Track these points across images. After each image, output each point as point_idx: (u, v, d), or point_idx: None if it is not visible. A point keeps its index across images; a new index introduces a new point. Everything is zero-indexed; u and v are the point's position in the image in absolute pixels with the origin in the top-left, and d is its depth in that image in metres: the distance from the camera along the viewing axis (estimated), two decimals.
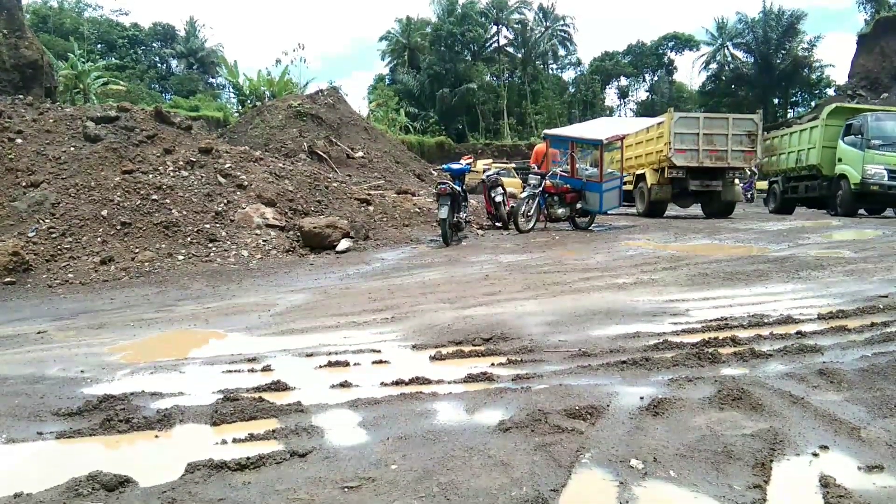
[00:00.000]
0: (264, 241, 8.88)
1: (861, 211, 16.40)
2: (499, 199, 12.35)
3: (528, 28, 59.84)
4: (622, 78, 68.23)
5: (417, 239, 10.47)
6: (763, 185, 29.51)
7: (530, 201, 11.66)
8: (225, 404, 2.94)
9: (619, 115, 62.09)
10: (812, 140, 17.63)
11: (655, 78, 66.88)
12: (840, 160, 16.15)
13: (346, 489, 2.13)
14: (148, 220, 8.45)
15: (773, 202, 20.78)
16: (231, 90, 30.45)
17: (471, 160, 12.50)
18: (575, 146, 13.00)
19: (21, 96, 11.33)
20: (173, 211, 8.76)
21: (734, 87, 59.65)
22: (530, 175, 12.39)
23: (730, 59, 60.42)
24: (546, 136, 14.61)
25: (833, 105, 19.86)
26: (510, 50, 60.87)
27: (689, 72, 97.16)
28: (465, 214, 10.63)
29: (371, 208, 11.52)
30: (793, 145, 19.01)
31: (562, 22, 60.78)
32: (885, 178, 14.73)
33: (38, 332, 4.78)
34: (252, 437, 2.58)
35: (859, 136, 15.54)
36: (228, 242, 8.64)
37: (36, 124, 9.89)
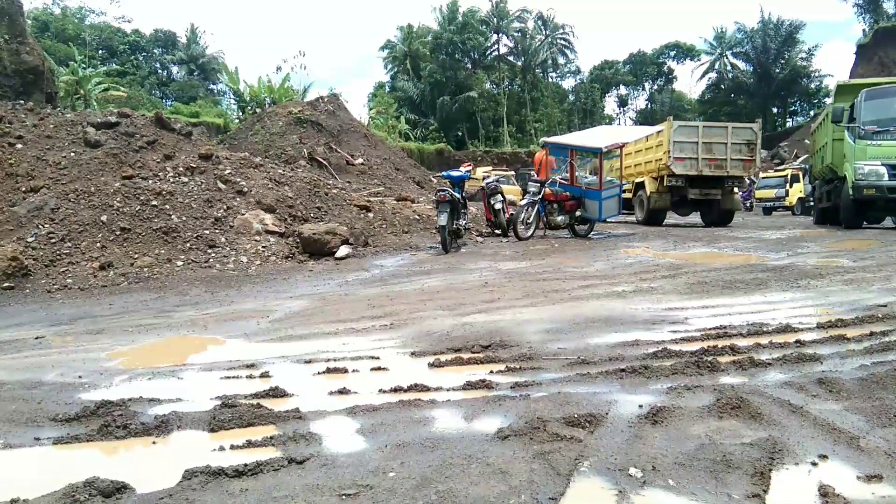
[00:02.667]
0: (263, 247, 8.88)
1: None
2: (498, 206, 12.37)
3: (528, 36, 60.09)
4: (622, 86, 68.51)
5: (417, 246, 10.47)
6: (768, 193, 29.55)
7: (529, 209, 11.68)
8: (223, 410, 2.93)
9: (619, 124, 62.32)
10: (827, 133, 13.95)
11: (655, 87, 67.13)
12: (844, 156, 12.32)
13: (343, 496, 2.13)
14: (147, 226, 8.45)
15: (815, 211, 17.04)
16: (231, 96, 30.49)
17: (470, 167, 12.52)
18: (574, 154, 13.03)
19: (22, 101, 11.34)
20: (173, 217, 8.76)
21: (733, 97, 59.94)
22: (529, 183, 12.42)
23: (729, 68, 60.74)
24: (545, 144, 14.63)
25: (838, 83, 15.23)
26: (510, 58, 61.09)
27: (689, 81, 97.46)
28: (464, 221, 10.64)
29: (370, 215, 11.52)
30: (820, 142, 15.52)
31: (561, 31, 61.05)
32: (885, 178, 10.71)
33: (37, 338, 4.78)
34: (250, 444, 2.57)
35: (852, 122, 11.76)
36: (228, 248, 8.63)
37: (36, 129, 9.90)
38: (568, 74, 67.51)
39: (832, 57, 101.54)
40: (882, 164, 10.73)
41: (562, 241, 11.38)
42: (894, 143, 10.80)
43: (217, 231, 8.92)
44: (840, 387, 3.04)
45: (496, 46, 59.75)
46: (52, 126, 10.10)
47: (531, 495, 2.10)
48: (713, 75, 61.64)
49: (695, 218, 18.55)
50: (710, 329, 4.27)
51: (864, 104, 11.45)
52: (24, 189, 8.63)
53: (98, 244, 7.94)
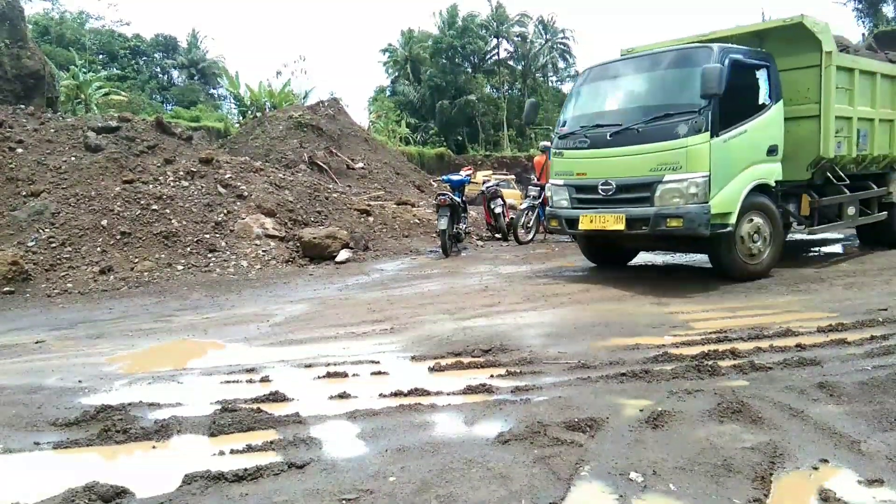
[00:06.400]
0: (264, 251, 8.88)
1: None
2: (498, 210, 12.35)
3: (528, 41, 60.17)
4: None
5: (417, 250, 10.47)
6: None
7: (530, 213, 11.68)
8: (223, 415, 2.93)
9: None
10: None
11: None
12: None
13: (344, 501, 2.13)
14: (147, 230, 8.45)
15: None
16: (232, 101, 30.49)
17: (470, 171, 12.51)
18: None
19: (23, 106, 11.34)
20: (173, 221, 8.76)
21: None
22: (530, 186, 12.42)
23: None
24: (545, 149, 14.64)
25: (621, 50, 8.73)
26: (510, 62, 61.16)
27: None
28: (464, 225, 10.64)
29: (371, 219, 11.52)
30: None
31: (561, 35, 61.09)
32: (567, 205, 6.86)
33: (37, 342, 4.78)
34: (250, 449, 2.57)
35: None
36: (228, 253, 8.64)
37: (37, 134, 9.91)
38: (568, 79, 67.54)
39: None
40: (565, 185, 6.84)
41: (562, 245, 11.38)
42: (581, 153, 6.67)
43: (217, 235, 8.92)
44: (840, 391, 3.04)
45: (496, 51, 59.81)
46: (52, 130, 10.11)
47: (532, 500, 2.09)
48: None
49: None
50: (710, 333, 4.27)
51: (575, 91, 7.43)
52: (24, 193, 8.63)
53: (98, 248, 7.94)
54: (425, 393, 3.20)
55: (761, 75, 6.51)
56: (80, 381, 3.64)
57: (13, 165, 9.03)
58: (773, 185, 6.52)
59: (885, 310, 4.79)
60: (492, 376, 3.48)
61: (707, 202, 5.79)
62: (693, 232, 5.86)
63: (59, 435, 2.83)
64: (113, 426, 2.81)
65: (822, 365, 3.48)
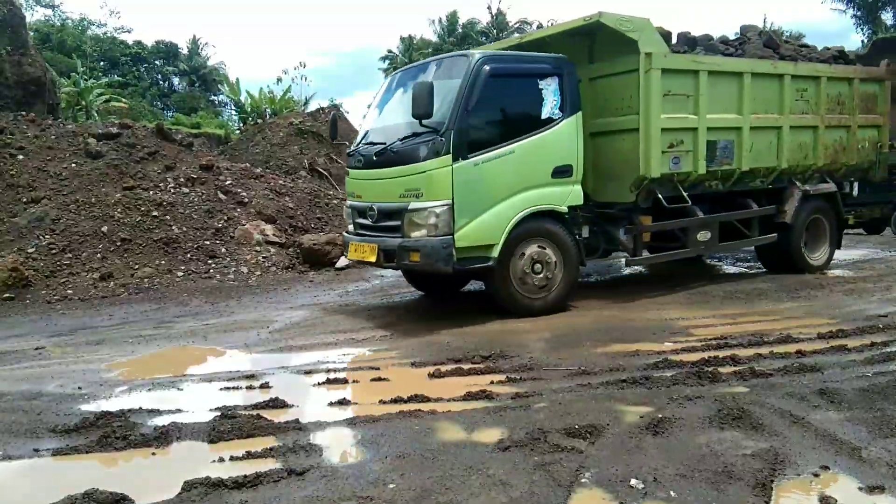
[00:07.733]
0: (264, 257, 8.88)
1: None
2: None
3: None
4: None
5: None
6: None
7: None
8: (222, 422, 2.93)
9: None
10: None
11: None
12: None
13: None
14: (148, 237, 8.46)
15: None
16: (233, 107, 30.49)
17: None
18: None
19: (24, 113, 11.34)
20: (173, 227, 8.77)
21: None
22: None
23: None
24: None
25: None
26: None
27: None
28: None
29: None
30: None
31: None
32: (352, 228, 6.10)
33: (36, 348, 4.77)
34: (249, 455, 2.57)
35: None
36: (228, 259, 8.64)
37: (38, 141, 9.93)
38: None
39: None
40: (350, 206, 6.09)
41: None
42: (358, 172, 5.97)
43: (217, 242, 8.92)
44: (841, 397, 3.03)
45: None
46: (53, 137, 10.13)
47: None
48: None
49: None
50: (710, 339, 4.27)
51: (373, 102, 6.47)
52: (25, 200, 8.64)
53: (98, 255, 7.94)
54: (425, 399, 3.20)
55: (547, 85, 5.46)
56: (79, 388, 3.64)
57: (14, 172, 9.04)
58: (566, 211, 5.46)
59: (886, 316, 4.79)
60: (492, 382, 3.48)
61: (450, 234, 4.94)
62: (432, 268, 5.07)
63: (59, 441, 2.82)
64: (112, 433, 2.81)
65: (822, 371, 3.48)
